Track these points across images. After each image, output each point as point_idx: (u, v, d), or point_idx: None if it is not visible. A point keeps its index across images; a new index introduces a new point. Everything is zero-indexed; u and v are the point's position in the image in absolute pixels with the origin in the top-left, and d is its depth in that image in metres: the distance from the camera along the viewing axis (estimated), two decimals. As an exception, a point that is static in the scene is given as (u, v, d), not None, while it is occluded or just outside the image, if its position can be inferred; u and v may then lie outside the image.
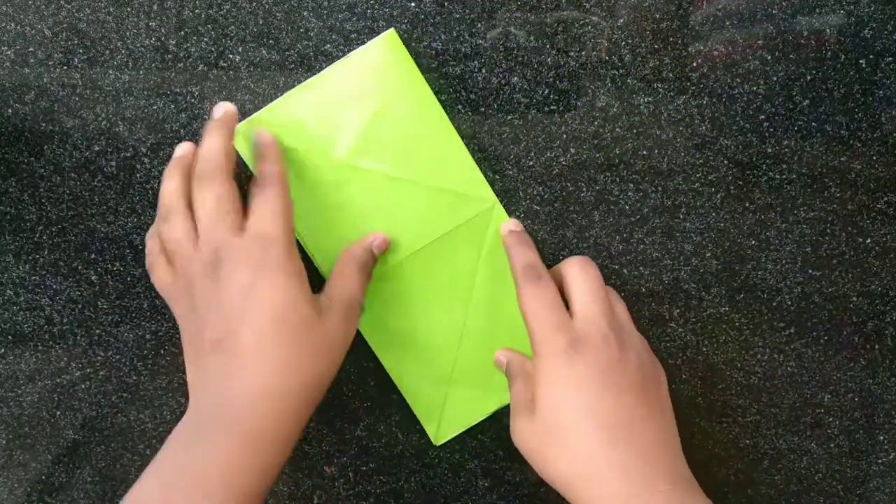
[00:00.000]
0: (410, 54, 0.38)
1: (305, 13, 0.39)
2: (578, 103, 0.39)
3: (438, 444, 0.42)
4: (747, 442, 0.43)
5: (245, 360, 0.31)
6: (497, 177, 0.40)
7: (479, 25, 0.38)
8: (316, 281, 0.38)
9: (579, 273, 0.35)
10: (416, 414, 0.42)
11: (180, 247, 0.34)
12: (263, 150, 0.36)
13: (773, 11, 0.38)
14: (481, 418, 0.42)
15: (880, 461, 0.42)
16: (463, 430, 0.42)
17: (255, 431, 0.31)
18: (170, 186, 0.35)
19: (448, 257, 0.40)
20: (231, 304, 0.31)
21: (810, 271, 0.41)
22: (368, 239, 0.38)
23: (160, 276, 0.35)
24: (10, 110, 0.40)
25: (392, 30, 0.37)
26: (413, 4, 0.38)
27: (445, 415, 0.42)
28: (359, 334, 0.41)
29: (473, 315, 0.41)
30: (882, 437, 0.42)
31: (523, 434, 0.34)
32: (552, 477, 0.33)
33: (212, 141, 0.35)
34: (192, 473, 0.30)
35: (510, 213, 0.40)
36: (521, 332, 0.36)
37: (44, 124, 0.41)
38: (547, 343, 0.33)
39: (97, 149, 0.41)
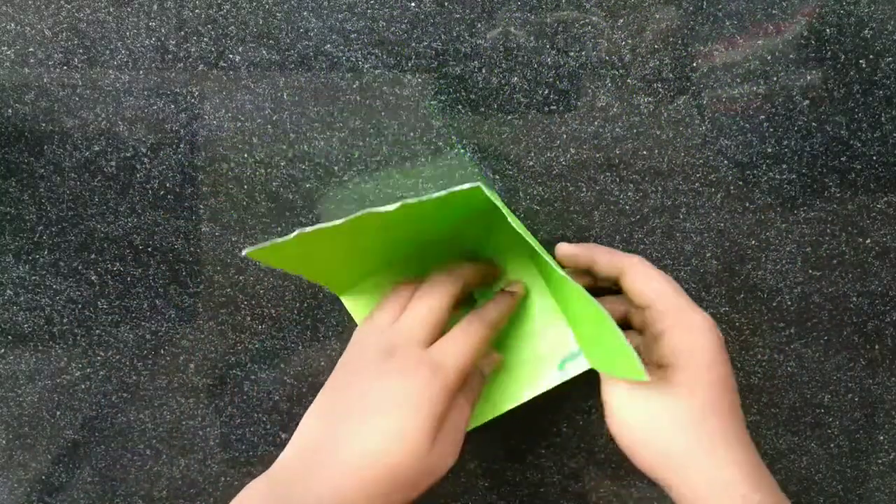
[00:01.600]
0: (412, 57, 0.38)
1: (305, 13, 0.39)
2: (578, 103, 0.39)
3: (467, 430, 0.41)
4: (747, 442, 0.43)
5: (345, 459, 0.31)
6: (497, 177, 0.40)
7: (479, 25, 0.38)
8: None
9: (645, 271, 0.35)
10: None
11: (382, 319, 0.36)
12: (501, 297, 0.38)
13: (774, 12, 0.38)
14: (510, 408, 0.41)
15: (880, 461, 0.42)
16: (492, 417, 0.41)
17: None
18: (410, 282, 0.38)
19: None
20: (368, 400, 0.32)
21: (810, 271, 0.41)
22: (484, 363, 0.38)
23: (366, 322, 0.37)
24: (10, 110, 0.40)
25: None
26: (413, 4, 0.38)
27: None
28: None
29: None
30: (882, 437, 0.42)
31: (645, 404, 0.33)
32: (658, 448, 0.32)
33: (467, 270, 0.37)
34: None
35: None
36: (539, 330, 0.36)
37: (44, 124, 0.41)
38: (705, 333, 0.33)
39: (97, 149, 0.41)
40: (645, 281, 0.35)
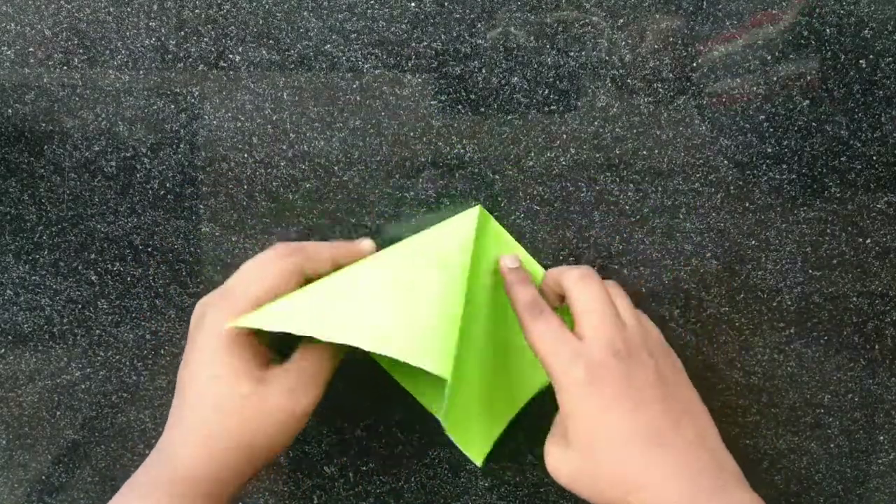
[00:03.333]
0: (412, 57, 0.38)
1: (305, 13, 0.39)
2: (578, 103, 0.39)
3: (482, 464, 0.40)
4: (747, 442, 0.43)
5: (176, 426, 0.34)
6: (497, 177, 0.40)
7: (479, 25, 0.38)
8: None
9: (581, 289, 0.35)
10: (455, 441, 0.39)
11: None
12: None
13: (773, 11, 0.38)
14: (511, 416, 0.41)
15: (880, 461, 0.42)
16: (498, 436, 0.41)
17: (188, 491, 0.32)
18: None
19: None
20: (183, 375, 0.35)
21: (810, 271, 0.41)
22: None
23: None
24: (10, 110, 0.40)
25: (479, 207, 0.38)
26: (413, 4, 0.38)
27: (477, 430, 0.41)
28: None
29: (475, 321, 0.40)
30: (882, 437, 0.42)
31: (560, 463, 0.34)
32: (604, 492, 0.33)
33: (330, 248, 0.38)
34: None
35: (510, 213, 0.40)
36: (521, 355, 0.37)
37: (44, 124, 0.41)
38: (565, 377, 0.33)
39: (97, 149, 0.41)
40: (525, 337, 0.35)
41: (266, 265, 0.35)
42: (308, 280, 0.36)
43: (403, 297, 0.34)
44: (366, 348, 0.31)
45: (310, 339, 0.33)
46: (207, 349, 0.33)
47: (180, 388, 0.34)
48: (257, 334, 0.34)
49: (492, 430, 0.41)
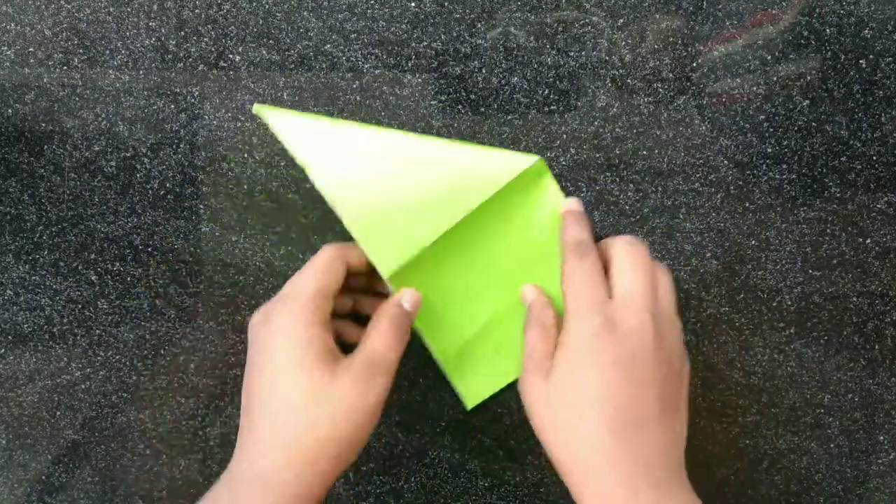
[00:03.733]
0: (412, 57, 0.38)
1: (305, 13, 0.39)
2: (578, 103, 0.39)
3: (470, 408, 0.41)
4: (747, 442, 0.43)
5: (256, 424, 0.33)
6: (497, 177, 0.40)
7: (479, 25, 0.38)
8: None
9: (626, 251, 0.34)
10: (449, 375, 0.41)
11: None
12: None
13: (773, 11, 0.38)
14: (515, 378, 0.41)
15: (880, 461, 0.42)
16: (496, 390, 0.41)
17: (278, 494, 0.32)
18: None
19: (491, 227, 0.38)
20: (253, 373, 0.34)
21: (810, 271, 0.41)
22: (398, 295, 0.37)
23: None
24: (10, 110, 0.40)
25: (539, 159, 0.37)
26: (413, 4, 0.38)
27: (476, 376, 0.41)
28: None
29: (507, 272, 0.39)
30: (882, 437, 0.42)
31: (533, 394, 0.34)
32: (550, 447, 0.33)
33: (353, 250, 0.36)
34: None
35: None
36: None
37: (44, 124, 0.41)
38: (579, 318, 0.32)
39: (97, 149, 0.41)
40: (565, 271, 0.35)
41: (315, 264, 0.35)
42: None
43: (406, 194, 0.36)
44: (343, 221, 0.35)
45: (372, 327, 0.35)
46: (278, 349, 0.33)
47: (250, 393, 0.34)
48: (324, 331, 0.34)
49: (493, 382, 0.41)
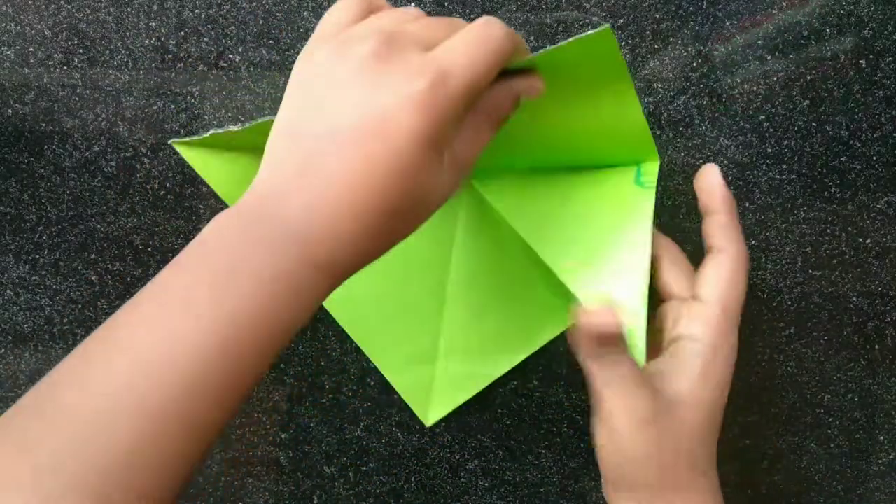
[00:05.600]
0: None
1: (305, 13, 0.39)
2: (578, 103, 0.39)
3: (429, 425, 0.41)
4: (747, 442, 0.43)
5: (326, 179, 0.25)
6: (497, 177, 0.40)
7: (479, 25, 0.38)
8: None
9: (737, 234, 0.32)
10: (400, 394, 0.40)
11: (352, 25, 0.27)
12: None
13: (774, 12, 0.38)
14: (475, 392, 0.40)
15: (880, 461, 0.42)
16: (454, 407, 0.40)
17: (328, 254, 0.25)
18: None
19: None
20: (356, 108, 0.25)
21: (810, 271, 0.41)
22: (517, 84, 0.29)
23: (345, 11, 0.28)
24: (10, 110, 0.40)
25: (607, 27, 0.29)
26: (413, 4, 0.38)
27: (436, 394, 0.40)
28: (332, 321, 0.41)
29: (455, 280, 0.39)
30: (882, 437, 0.42)
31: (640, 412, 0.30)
32: (647, 440, 0.30)
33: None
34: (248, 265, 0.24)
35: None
36: (512, 297, 0.36)
37: (44, 124, 0.41)
38: (728, 311, 0.32)
39: (97, 149, 0.41)
40: (720, 278, 0.32)
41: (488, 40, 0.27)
42: None
43: None
44: None
45: (474, 129, 0.28)
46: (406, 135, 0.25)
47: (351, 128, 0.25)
48: None
49: (456, 396, 0.40)
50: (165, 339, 0.23)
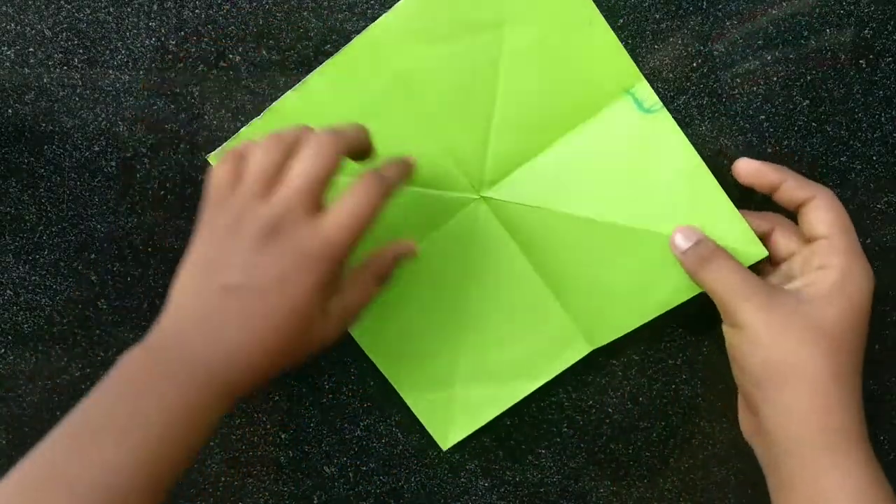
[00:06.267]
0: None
1: (305, 13, 0.39)
2: (578, 103, 0.39)
3: (446, 448, 0.42)
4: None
5: (245, 324, 0.31)
6: (497, 177, 0.40)
7: (479, 25, 0.38)
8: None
9: (841, 206, 0.36)
10: (420, 419, 0.42)
11: (260, 177, 0.32)
12: (395, 161, 0.35)
13: (773, 12, 0.38)
14: (493, 417, 0.41)
15: (880, 461, 0.42)
16: (473, 430, 0.42)
17: (225, 385, 0.30)
18: (292, 128, 0.33)
19: (436, 252, 0.39)
20: (253, 276, 0.31)
21: (810, 271, 0.40)
22: (396, 248, 0.36)
23: (224, 172, 0.33)
24: (10, 110, 0.40)
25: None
26: (413, 4, 0.38)
27: (454, 418, 0.41)
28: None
29: (473, 309, 0.40)
30: (882, 437, 0.42)
31: (774, 319, 0.34)
32: (791, 366, 0.33)
33: (355, 131, 0.34)
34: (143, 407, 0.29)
35: (510, 213, 0.40)
36: (530, 324, 0.37)
37: (44, 124, 0.41)
38: (853, 252, 0.35)
39: (97, 149, 0.41)
40: (828, 211, 0.35)
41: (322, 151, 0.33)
42: None
43: None
44: None
45: (357, 275, 0.34)
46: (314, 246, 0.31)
47: (237, 287, 0.31)
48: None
49: (473, 421, 0.41)
50: (95, 464, 0.28)
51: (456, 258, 0.39)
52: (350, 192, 0.32)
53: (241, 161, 0.33)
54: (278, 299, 0.31)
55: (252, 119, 0.39)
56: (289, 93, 0.38)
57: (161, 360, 0.30)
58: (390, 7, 0.38)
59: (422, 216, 0.39)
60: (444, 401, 0.41)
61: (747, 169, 0.37)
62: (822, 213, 0.35)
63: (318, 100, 0.38)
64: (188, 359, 0.30)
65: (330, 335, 0.33)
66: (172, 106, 0.40)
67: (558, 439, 0.43)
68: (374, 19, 0.38)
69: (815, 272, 0.35)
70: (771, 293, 0.34)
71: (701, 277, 0.36)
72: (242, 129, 0.39)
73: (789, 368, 0.33)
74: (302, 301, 0.31)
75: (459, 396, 0.41)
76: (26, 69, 0.40)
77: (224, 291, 0.31)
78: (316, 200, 0.32)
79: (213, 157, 0.39)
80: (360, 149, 0.34)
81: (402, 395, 0.41)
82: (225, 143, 0.39)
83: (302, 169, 0.31)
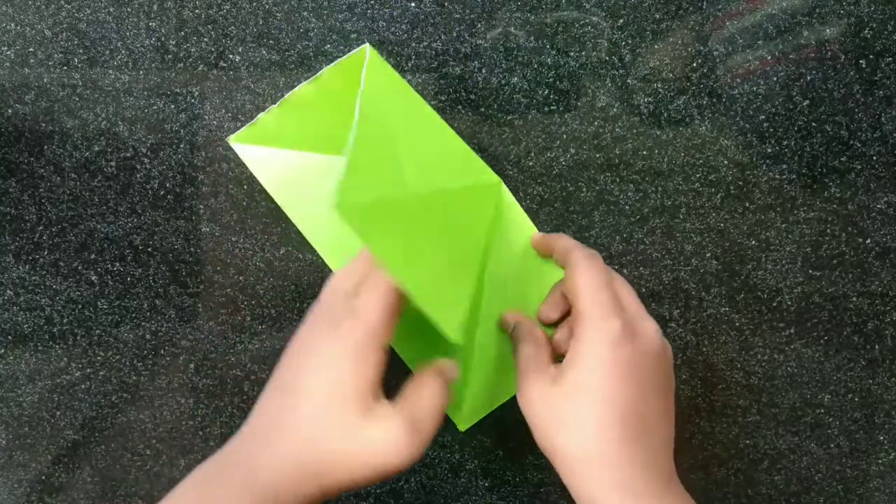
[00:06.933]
0: (412, 57, 0.38)
1: (305, 13, 0.39)
2: (578, 103, 0.39)
3: (463, 430, 0.42)
4: (747, 442, 0.43)
5: (284, 426, 0.31)
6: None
7: (479, 25, 0.38)
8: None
9: (589, 264, 0.34)
10: None
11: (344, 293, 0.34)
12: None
13: (773, 12, 0.38)
14: (505, 399, 0.41)
15: (880, 461, 0.42)
16: (487, 412, 0.41)
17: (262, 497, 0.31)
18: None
19: (455, 244, 0.39)
20: (299, 364, 0.33)
21: (810, 271, 0.41)
22: (451, 364, 0.36)
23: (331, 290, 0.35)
24: (10, 110, 0.40)
25: (366, 45, 0.37)
26: (413, 4, 0.38)
27: (468, 400, 0.41)
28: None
29: (487, 300, 0.40)
30: (882, 437, 0.42)
31: (535, 397, 0.33)
32: (554, 448, 0.33)
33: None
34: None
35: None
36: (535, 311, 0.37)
37: (44, 124, 0.41)
38: (597, 322, 0.32)
39: (97, 149, 0.41)
40: (578, 276, 0.34)
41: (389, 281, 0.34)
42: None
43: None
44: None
45: (419, 378, 0.33)
46: (337, 363, 0.31)
47: (286, 389, 0.32)
48: (385, 359, 0.32)
49: (484, 404, 0.41)
50: None
51: (473, 244, 0.39)
52: (371, 282, 0.33)
53: (339, 277, 0.35)
54: (315, 384, 0.31)
55: (248, 120, 0.39)
56: (304, 84, 0.38)
57: (222, 464, 0.32)
58: (390, 7, 0.38)
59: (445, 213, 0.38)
60: (460, 383, 0.41)
61: (534, 242, 0.39)
62: (570, 282, 0.34)
63: (333, 90, 0.38)
64: (244, 464, 0.31)
65: (390, 442, 0.31)
66: (172, 106, 0.40)
67: (558, 439, 0.43)
68: (373, 19, 0.38)
69: (572, 346, 0.34)
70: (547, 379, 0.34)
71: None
72: (261, 116, 0.39)
73: (566, 457, 0.33)
74: (331, 390, 0.31)
75: (474, 380, 0.41)
76: (26, 69, 0.40)
77: (286, 392, 0.33)
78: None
79: (233, 141, 0.40)
80: None
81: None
82: (245, 128, 0.39)
83: (375, 284, 0.33)
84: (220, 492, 0.31)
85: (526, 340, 0.36)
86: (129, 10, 0.39)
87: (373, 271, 0.33)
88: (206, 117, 0.40)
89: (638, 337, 0.33)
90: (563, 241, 0.37)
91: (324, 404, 0.31)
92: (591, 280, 0.33)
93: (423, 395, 0.32)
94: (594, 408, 0.32)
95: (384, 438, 0.30)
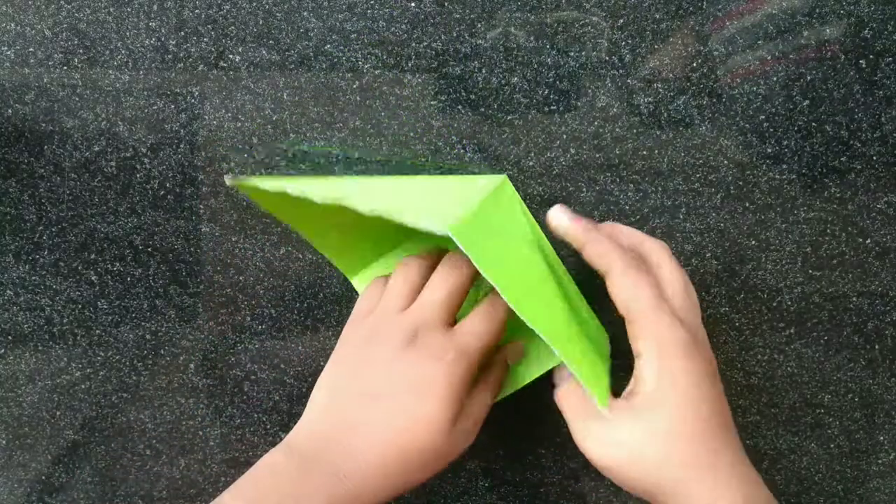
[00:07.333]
0: (412, 57, 0.38)
1: (305, 13, 0.39)
2: (578, 103, 0.39)
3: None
4: (747, 442, 0.43)
5: (383, 430, 0.32)
6: (497, 177, 0.40)
7: (479, 25, 0.38)
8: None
9: (668, 256, 0.34)
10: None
11: (398, 294, 0.35)
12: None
13: (773, 12, 0.38)
14: (510, 392, 0.39)
15: (880, 461, 0.42)
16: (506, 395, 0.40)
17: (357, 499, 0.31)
18: (427, 255, 0.37)
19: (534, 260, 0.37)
20: (392, 382, 0.32)
21: (810, 271, 0.41)
22: (512, 353, 0.38)
23: (366, 299, 0.36)
24: (10, 110, 0.40)
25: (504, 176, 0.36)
26: (413, 4, 0.38)
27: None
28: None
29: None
30: (882, 437, 0.42)
31: (612, 433, 0.31)
32: (641, 477, 0.31)
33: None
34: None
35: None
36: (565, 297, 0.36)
37: (44, 124, 0.41)
38: (664, 337, 0.31)
39: (97, 149, 0.41)
40: (620, 291, 0.32)
41: (497, 317, 0.35)
42: None
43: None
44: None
45: (490, 378, 0.35)
46: (439, 394, 0.32)
47: (370, 393, 0.33)
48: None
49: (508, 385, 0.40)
50: None
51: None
52: (480, 310, 0.34)
53: (382, 286, 0.36)
54: (415, 403, 0.32)
55: (251, 124, 0.39)
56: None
57: (302, 469, 0.32)
58: (390, 7, 0.38)
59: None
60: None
61: (556, 221, 0.35)
62: (614, 292, 0.33)
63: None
64: (328, 470, 0.31)
65: (458, 447, 0.33)
66: (172, 106, 0.40)
67: (558, 439, 0.43)
68: (373, 19, 0.38)
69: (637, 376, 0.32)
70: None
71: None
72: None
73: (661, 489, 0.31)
74: (437, 410, 0.32)
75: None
76: (26, 69, 0.40)
77: (362, 398, 0.33)
78: (451, 313, 0.34)
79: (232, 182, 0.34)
80: None
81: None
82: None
83: (438, 284, 0.34)
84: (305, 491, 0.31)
85: (568, 385, 0.35)
86: (129, 10, 0.39)
87: (459, 293, 0.34)
88: (206, 117, 0.40)
89: (699, 340, 0.32)
90: (595, 242, 0.34)
91: (421, 420, 0.32)
92: (641, 287, 0.32)
93: (478, 397, 0.34)
94: (687, 424, 0.31)
95: (457, 440, 0.33)
